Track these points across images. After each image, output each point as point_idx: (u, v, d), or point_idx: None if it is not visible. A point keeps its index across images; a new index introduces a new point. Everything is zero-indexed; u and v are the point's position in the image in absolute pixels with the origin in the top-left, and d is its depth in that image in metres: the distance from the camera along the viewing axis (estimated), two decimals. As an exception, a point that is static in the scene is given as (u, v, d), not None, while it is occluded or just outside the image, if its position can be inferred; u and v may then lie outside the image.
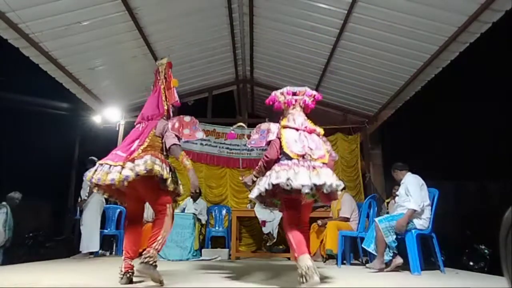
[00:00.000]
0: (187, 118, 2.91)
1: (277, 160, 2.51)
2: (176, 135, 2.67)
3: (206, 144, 6.55)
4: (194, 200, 5.56)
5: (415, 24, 4.18)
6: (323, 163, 2.40)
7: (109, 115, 6.45)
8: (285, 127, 2.59)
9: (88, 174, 2.52)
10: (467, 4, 3.64)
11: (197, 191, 4.14)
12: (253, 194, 2.46)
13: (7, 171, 8.37)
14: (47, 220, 10.42)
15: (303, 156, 2.39)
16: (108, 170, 2.38)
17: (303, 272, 2.11)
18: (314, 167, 2.32)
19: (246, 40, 5.97)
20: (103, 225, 5.21)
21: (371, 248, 3.42)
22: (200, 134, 2.95)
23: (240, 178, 2.91)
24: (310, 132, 2.59)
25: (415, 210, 3.19)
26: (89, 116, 6.94)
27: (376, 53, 4.95)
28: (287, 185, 2.23)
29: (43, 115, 10.49)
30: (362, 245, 3.55)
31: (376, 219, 3.32)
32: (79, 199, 5.01)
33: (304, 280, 2.09)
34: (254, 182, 2.71)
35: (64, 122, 10.94)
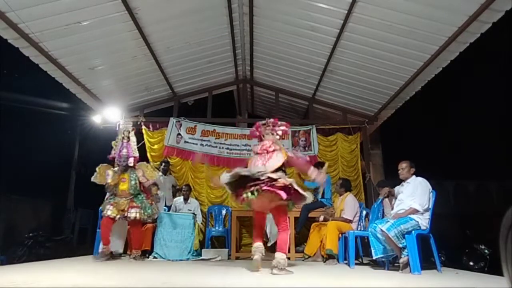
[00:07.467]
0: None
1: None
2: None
3: (206, 145, 6.54)
4: (185, 200, 5.56)
5: (415, 24, 4.18)
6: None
7: (109, 115, 6.42)
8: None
9: None
10: (467, 4, 3.64)
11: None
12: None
13: (6, 171, 8.35)
14: (47, 220, 10.40)
15: None
16: None
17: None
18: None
19: (246, 40, 5.97)
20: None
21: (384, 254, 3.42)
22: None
23: None
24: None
25: (417, 210, 3.33)
26: (89, 116, 6.92)
27: (376, 53, 4.95)
28: None
29: (43, 115, 10.49)
30: (376, 258, 3.47)
31: (384, 229, 3.27)
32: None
33: None
34: None
35: (64, 122, 10.95)
